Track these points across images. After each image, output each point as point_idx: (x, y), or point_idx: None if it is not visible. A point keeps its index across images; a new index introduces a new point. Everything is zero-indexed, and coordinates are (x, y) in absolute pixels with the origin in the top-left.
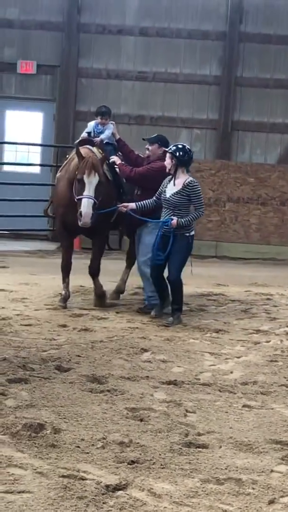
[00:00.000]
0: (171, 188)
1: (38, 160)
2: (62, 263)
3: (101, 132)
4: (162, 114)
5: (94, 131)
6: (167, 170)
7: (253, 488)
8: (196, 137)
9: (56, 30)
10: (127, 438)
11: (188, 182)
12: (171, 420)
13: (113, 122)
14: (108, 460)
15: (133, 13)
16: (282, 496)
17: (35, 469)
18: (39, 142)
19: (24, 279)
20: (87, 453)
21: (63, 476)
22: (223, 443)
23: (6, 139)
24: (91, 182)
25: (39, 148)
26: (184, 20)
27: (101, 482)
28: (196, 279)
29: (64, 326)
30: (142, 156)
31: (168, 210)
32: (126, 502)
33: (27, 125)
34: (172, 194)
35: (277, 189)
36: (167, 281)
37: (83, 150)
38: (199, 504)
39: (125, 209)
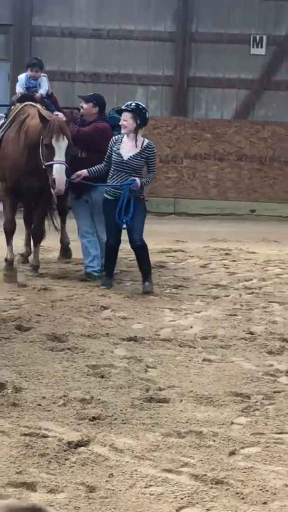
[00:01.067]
0: (127, 149)
1: None
2: (6, 225)
3: (35, 87)
4: (118, 72)
5: (26, 85)
6: (124, 131)
7: (214, 441)
8: (152, 94)
9: None
10: (88, 395)
11: (147, 143)
12: (132, 376)
13: (45, 75)
14: (70, 417)
15: None
16: (242, 448)
17: None
18: None
19: None
20: (49, 411)
21: (25, 435)
22: (184, 397)
23: None
24: (60, 146)
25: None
26: None
27: (63, 439)
28: (155, 236)
29: (24, 285)
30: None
31: (122, 173)
32: (88, 457)
33: None
34: (131, 157)
35: (234, 144)
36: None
37: (39, 111)
38: (160, 457)
39: (79, 179)
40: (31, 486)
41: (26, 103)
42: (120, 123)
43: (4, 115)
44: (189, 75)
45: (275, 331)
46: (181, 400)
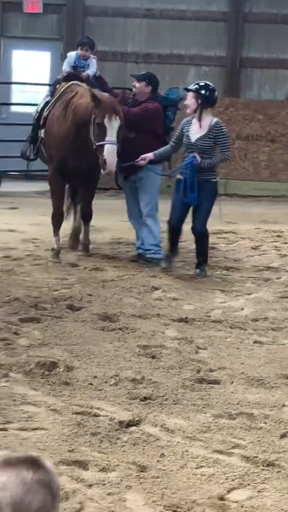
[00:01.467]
0: (195, 131)
1: None
2: (55, 213)
3: (83, 67)
4: (170, 52)
5: (75, 64)
6: (188, 111)
7: (265, 423)
8: (205, 75)
9: None
10: (139, 375)
11: (215, 123)
12: (182, 357)
13: (95, 57)
14: (121, 397)
15: None
16: None
17: (48, 407)
18: (47, 82)
19: (34, 220)
20: (100, 390)
21: (77, 413)
22: (235, 378)
23: (14, 80)
24: (112, 126)
25: (47, 88)
26: None
27: (114, 419)
28: None
29: (75, 265)
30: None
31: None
32: (139, 437)
33: (34, 65)
34: (198, 138)
35: (286, 125)
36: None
37: (91, 90)
38: (211, 438)
39: (144, 162)
40: (83, 465)
41: (72, 82)
42: (184, 103)
43: (49, 93)
44: (241, 55)
45: None
46: (232, 382)
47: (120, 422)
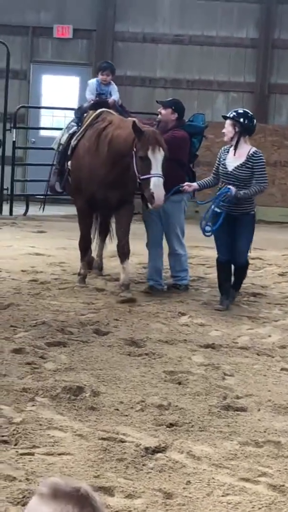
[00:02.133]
0: (232, 160)
1: None
2: (83, 241)
3: (105, 93)
4: (199, 78)
5: (97, 91)
6: (225, 139)
7: None
8: (233, 101)
9: None
10: (165, 401)
11: (253, 152)
12: (209, 383)
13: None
14: (147, 423)
15: None
16: None
17: (75, 432)
18: (76, 107)
19: (61, 244)
20: (126, 415)
21: (103, 439)
22: (262, 406)
23: (43, 104)
24: (157, 158)
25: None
26: None
27: (140, 445)
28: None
29: (102, 290)
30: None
31: (229, 185)
32: (165, 464)
33: (64, 90)
34: (236, 167)
35: None
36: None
37: (134, 121)
38: (238, 466)
39: (190, 189)
40: (108, 491)
41: (101, 110)
42: (222, 131)
43: (75, 124)
44: (270, 81)
45: None
46: (259, 409)
47: (146, 449)
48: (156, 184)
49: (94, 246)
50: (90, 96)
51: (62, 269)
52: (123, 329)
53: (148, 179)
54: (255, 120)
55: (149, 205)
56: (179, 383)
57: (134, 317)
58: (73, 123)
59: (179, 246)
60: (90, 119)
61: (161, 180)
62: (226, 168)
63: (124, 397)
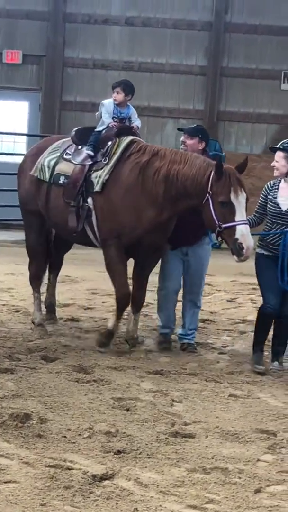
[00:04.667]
0: (285, 198)
1: (24, 150)
2: (123, 297)
3: (123, 117)
4: (148, 104)
5: (114, 114)
6: (276, 173)
7: (240, 477)
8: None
9: (42, 20)
10: (113, 428)
11: None
12: (157, 410)
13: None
14: (95, 450)
15: (119, 3)
16: (268, 485)
17: (21, 459)
18: (25, 132)
19: (10, 269)
20: (74, 443)
21: (50, 466)
22: (210, 432)
23: None
24: (240, 202)
25: (24, 138)
26: (170, 10)
27: (87, 472)
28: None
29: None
30: None
31: (282, 226)
32: (112, 491)
33: (13, 115)
34: None
35: (263, 179)
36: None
37: (217, 160)
38: (185, 493)
39: None
40: None
41: (131, 138)
42: (272, 164)
43: (91, 151)
44: (219, 109)
45: None
46: (207, 436)
47: (94, 476)
48: (244, 233)
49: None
50: (107, 119)
51: (10, 295)
52: (71, 356)
53: (233, 227)
54: None
55: (236, 258)
56: (127, 410)
57: (82, 344)
58: (89, 152)
59: (200, 297)
60: (121, 148)
61: (248, 228)
62: (279, 207)
63: (72, 424)
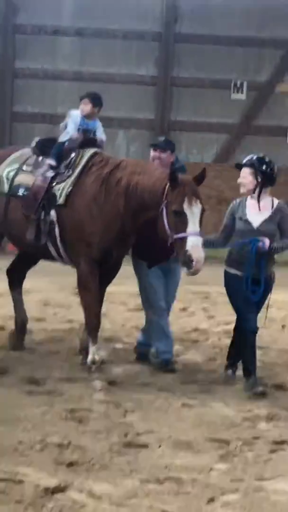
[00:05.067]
0: (256, 214)
1: None
2: (93, 320)
3: (89, 131)
4: (99, 115)
5: (80, 126)
6: (242, 190)
7: (193, 487)
8: (133, 138)
9: None
10: (66, 439)
11: (279, 204)
12: (110, 421)
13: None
14: (47, 463)
15: (69, 14)
16: (221, 494)
17: None
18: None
19: None
20: (26, 455)
21: (1, 480)
22: (163, 442)
23: None
24: (194, 212)
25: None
26: (120, 21)
27: (40, 485)
28: (131, 277)
29: (2, 328)
30: None
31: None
32: (65, 504)
33: None
34: (262, 222)
35: (213, 188)
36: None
37: (171, 168)
38: (139, 504)
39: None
40: None
41: (94, 150)
42: (238, 181)
43: (53, 163)
44: (170, 119)
45: None
46: (160, 446)
47: (46, 489)
48: (195, 245)
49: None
50: (72, 131)
51: None
52: (23, 368)
53: (184, 239)
54: (276, 167)
55: (185, 271)
56: (80, 421)
57: (34, 355)
58: (51, 162)
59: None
60: (84, 160)
61: (200, 239)
62: (250, 224)
63: (24, 437)
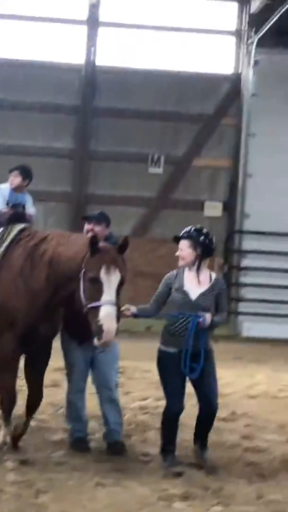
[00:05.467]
0: (195, 287)
1: None
2: (7, 398)
3: (18, 204)
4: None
5: (8, 200)
6: (181, 263)
7: None
8: (51, 210)
9: None
10: None
11: (217, 278)
12: (22, 502)
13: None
14: None
15: None
16: None
17: None
18: None
19: None
20: None
21: None
22: None
23: None
24: (111, 281)
25: None
26: (38, 93)
27: None
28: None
29: None
30: None
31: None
32: None
33: None
34: (200, 295)
35: (131, 261)
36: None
37: (92, 236)
38: None
39: (128, 313)
40: None
41: (22, 225)
42: (176, 254)
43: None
44: (87, 192)
45: None
46: None
47: None
48: (107, 314)
49: None
50: (2, 205)
51: None
52: None
53: (97, 308)
54: (214, 238)
55: (96, 341)
56: None
57: None
58: None
59: (116, 390)
60: (12, 235)
61: (114, 309)
62: (187, 296)
63: None
